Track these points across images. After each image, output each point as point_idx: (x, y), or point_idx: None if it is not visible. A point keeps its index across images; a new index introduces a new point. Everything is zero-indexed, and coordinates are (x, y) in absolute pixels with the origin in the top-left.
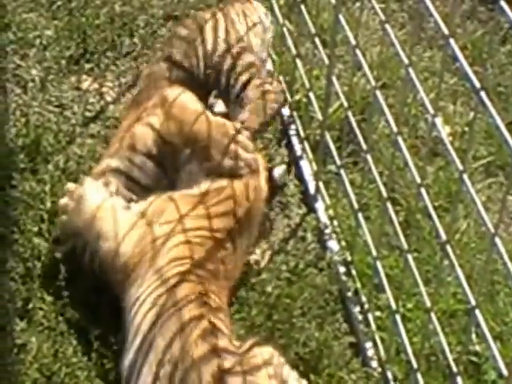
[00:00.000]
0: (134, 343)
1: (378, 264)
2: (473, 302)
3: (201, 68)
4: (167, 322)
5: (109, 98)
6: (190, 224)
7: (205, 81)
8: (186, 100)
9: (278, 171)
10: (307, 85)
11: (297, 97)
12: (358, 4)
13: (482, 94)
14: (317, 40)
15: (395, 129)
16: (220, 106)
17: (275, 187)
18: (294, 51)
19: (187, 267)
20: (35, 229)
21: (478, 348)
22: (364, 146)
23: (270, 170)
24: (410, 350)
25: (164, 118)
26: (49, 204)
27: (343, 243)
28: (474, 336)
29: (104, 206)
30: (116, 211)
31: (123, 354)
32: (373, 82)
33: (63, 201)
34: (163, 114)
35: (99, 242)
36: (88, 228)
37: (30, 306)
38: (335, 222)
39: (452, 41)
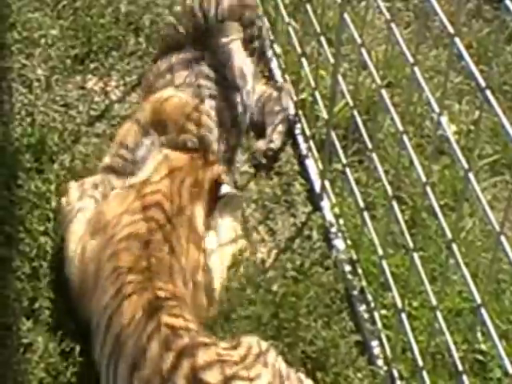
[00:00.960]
0: (101, 373)
1: (384, 262)
2: (478, 301)
3: None
4: (124, 348)
5: (114, 97)
6: (124, 222)
7: None
8: (172, 95)
9: (226, 189)
10: (313, 84)
11: (302, 96)
12: (363, 3)
13: (488, 92)
14: (322, 39)
15: (401, 127)
16: None
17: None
18: (299, 50)
19: (125, 279)
20: (41, 228)
21: (483, 346)
22: (369, 145)
23: (218, 184)
24: (415, 349)
25: (147, 111)
26: (54, 203)
27: (349, 242)
28: (479, 334)
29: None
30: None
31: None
32: (378, 81)
33: (62, 199)
34: (148, 109)
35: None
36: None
37: (37, 305)
38: (341, 221)
39: (457, 39)
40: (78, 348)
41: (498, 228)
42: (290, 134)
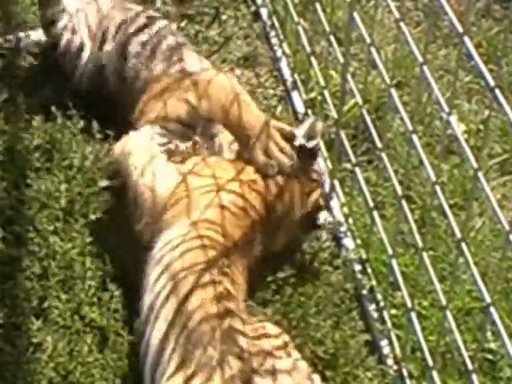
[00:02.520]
0: (145, 300)
1: (394, 262)
2: (488, 300)
3: None
4: (182, 281)
5: None
6: (224, 187)
7: None
8: (222, 79)
9: (324, 216)
10: (322, 83)
11: (312, 95)
12: (372, 2)
13: (497, 91)
14: (332, 38)
15: (410, 127)
16: None
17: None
18: (308, 49)
19: (216, 233)
20: (50, 228)
21: (493, 345)
22: (379, 144)
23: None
24: (425, 348)
25: (198, 94)
26: (64, 203)
27: (358, 241)
28: (489, 333)
29: (142, 145)
30: (154, 154)
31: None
32: (388, 80)
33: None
34: (198, 92)
35: (137, 175)
36: (127, 162)
37: (46, 304)
38: (350, 220)
39: (467, 39)
40: (86, 347)
41: (507, 227)
42: None
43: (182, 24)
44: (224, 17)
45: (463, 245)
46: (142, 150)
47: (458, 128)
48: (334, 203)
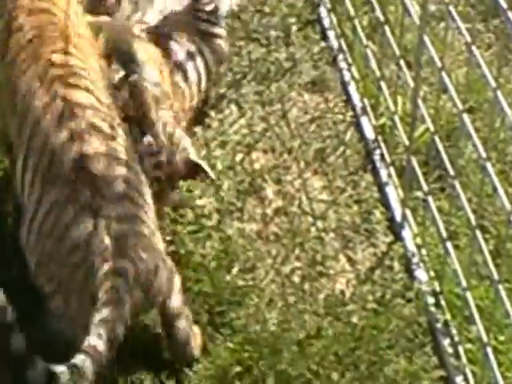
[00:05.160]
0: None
1: (468, 294)
2: None
3: None
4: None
5: None
6: None
7: None
8: None
9: None
10: (392, 108)
11: (381, 120)
12: (442, 24)
13: None
14: (401, 62)
15: (483, 154)
16: None
17: None
18: (378, 73)
19: None
20: None
21: None
22: (451, 172)
23: None
24: None
25: None
26: None
27: (431, 273)
28: None
29: None
30: None
31: None
32: (459, 105)
33: None
34: None
35: None
36: None
37: None
38: (423, 251)
39: None
40: None
41: None
42: (369, 160)
43: (250, 47)
44: (292, 40)
45: None
46: None
47: None
48: (406, 233)
